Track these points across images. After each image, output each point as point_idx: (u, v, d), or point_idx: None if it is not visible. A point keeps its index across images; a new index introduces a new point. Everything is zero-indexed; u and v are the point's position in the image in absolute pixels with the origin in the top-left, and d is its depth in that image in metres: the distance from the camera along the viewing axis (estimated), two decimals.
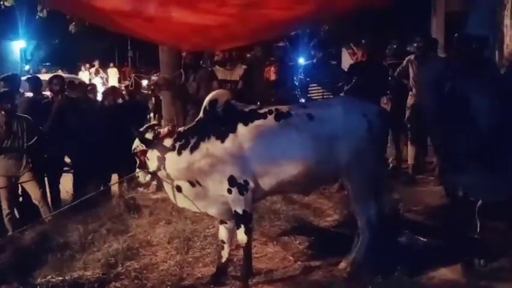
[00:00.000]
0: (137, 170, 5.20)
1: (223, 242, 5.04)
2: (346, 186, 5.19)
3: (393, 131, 8.19)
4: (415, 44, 8.13)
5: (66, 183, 7.97)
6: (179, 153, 4.86)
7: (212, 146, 4.73)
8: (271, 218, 6.40)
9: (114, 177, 8.11)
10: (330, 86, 7.67)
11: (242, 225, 4.76)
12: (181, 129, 5.08)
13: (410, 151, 8.08)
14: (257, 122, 4.73)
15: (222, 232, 5.06)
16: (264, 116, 4.77)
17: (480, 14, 9.89)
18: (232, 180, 4.66)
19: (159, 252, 5.67)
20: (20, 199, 7.38)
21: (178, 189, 4.98)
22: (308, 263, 5.31)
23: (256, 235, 5.90)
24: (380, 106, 6.37)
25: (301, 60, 11.68)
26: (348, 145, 4.68)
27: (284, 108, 4.89)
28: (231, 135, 4.69)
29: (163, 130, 5.09)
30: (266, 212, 6.48)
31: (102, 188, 7.30)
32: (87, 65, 21.63)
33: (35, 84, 8.57)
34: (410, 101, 7.94)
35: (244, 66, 8.06)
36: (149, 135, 5.05)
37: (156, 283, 5.01)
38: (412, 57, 8.01)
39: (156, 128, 5.21)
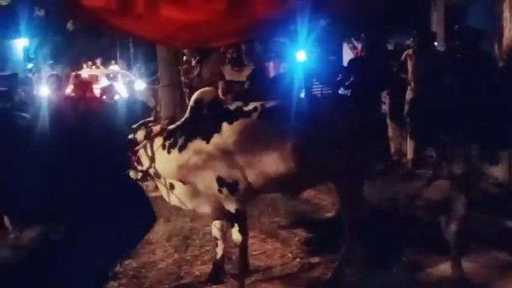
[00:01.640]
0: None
1: (216, 238, 5.00)
2: (335, 185, 5.09)
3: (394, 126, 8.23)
4: (412, 38, 8.07)
5: None
6: (169, 152, 4.82)
7: (199, 146, 4.64)
8: (270, 215, 6.40)
9: None
10: (328, 81, 7.64)
11: (236, 224, 4.68)
12: (170, 127, 5.00)
13: (409, 146, 8.04)
14: (241, 120, 4.61)
15: (215, 229, 5.01)
16: (248, 114, 4.65)
17: (480, 6, 9.88)
18: (220, 181, 4.57)
19: (157, 251, 5.64)
20: None
21: (171, 187, 4.97)
22: (307, 259, 5.27)
23: (255, 232, 5.90)
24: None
25: (301, 56, 11.60)
26: (334, 144, 4.50)
27: (270, 104, 4.78)
28: (216, 135, 4.58)
29: (156, 128, 5.04)
30: (265, 208, 6.47)
31: None
32: (89, 63, 21.60)
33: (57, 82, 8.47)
34: (409, 95, 7.89)
35: (252, 66, 7.82)
36: (141, 133, 5.05)
37: (154, 282, 4.98)
38: (410, 51, 7.96)
39: (149, 125, 5.17)
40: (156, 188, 7.17)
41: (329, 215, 6.49)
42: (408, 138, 8.06)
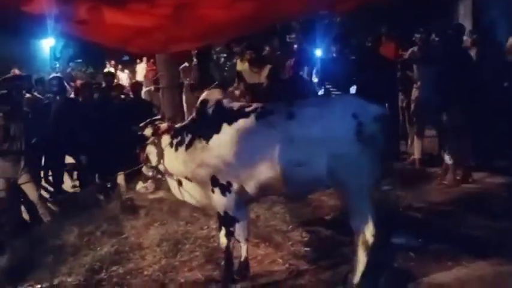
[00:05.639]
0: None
1: (238, 241, 4.80)
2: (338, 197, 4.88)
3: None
4: (418, 35, 7.68)
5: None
6: (176, 150, 4.84)
7: (200, 146, 4.61)
8: (267, 218, 6.21)
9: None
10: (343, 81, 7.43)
11: (223, 228, 4.62)
12: (178, 125, 5.04)
13: (416, 145, 7.72)
14: (240, 122, 4.49)
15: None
16: (247, 115, 4.51)
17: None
18: (214, 181, 4.53)
19: (147, 256, 5.53)
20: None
21: (180, 183, 4.96)
22: (297, 266, 5.08)
23: (249, 236, 5.73)
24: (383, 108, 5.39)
25: (318, 54, 11.35)
26: (330, 149, 4.15)
27: (269, 106, 4.59)
28: (215, 136, 4.53)
29: (163, 126, 5.09)
30: (262, 211, 6.30)
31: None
32: (112, 62, 21.63)
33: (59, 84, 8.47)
34: (414, 93, 7.57)
35: (269, 66, 7.48)
36: (148, 131, 5.10)
37: None
38: (415, 48, 7.65)
39: (156, 123, 5.19)
40: (155, 190, 7.18)
41: (328, 218, 6.27)
42: (415, 137, 7.74)
